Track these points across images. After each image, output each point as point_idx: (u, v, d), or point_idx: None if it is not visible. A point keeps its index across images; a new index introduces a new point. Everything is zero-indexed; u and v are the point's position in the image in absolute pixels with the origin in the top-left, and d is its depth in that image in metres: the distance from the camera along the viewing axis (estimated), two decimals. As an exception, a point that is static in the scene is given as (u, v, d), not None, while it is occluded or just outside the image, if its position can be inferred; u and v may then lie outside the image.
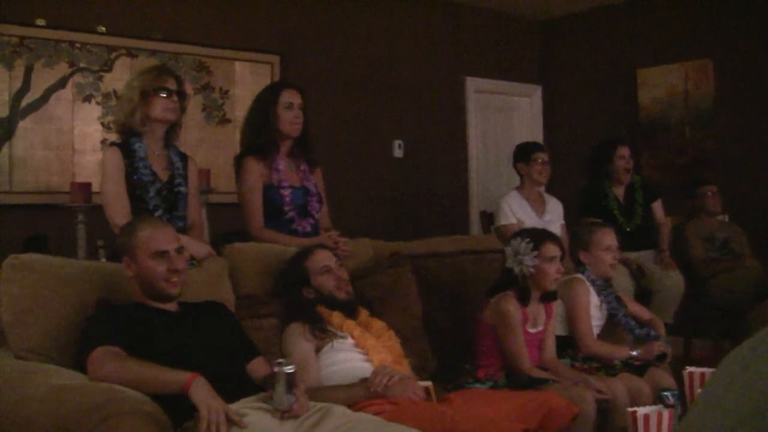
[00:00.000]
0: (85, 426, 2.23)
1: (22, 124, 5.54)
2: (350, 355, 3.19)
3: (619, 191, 5.94)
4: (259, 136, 4.04)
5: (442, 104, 7.91)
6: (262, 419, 2.48)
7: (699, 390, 3.00)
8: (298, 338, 3.17)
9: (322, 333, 3.19)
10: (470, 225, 7.90)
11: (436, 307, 4.01)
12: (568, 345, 3.90)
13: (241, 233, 4.02)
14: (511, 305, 3.57)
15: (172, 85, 3.69)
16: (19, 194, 5.50)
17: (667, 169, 7.67)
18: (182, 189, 3.73)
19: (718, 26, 7.37)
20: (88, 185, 5.13)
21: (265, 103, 4.08)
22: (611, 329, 4.10)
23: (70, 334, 2.84)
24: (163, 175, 3.70)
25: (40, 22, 5.59)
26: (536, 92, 8.79)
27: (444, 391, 3.33)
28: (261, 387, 2.75)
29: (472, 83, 8.17)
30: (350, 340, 3.22)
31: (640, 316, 4.14)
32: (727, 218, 6.39)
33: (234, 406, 2.50)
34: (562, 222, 5.51)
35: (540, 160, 5.45)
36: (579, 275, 4.03)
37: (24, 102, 5.55)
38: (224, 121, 6.43)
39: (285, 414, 2.52)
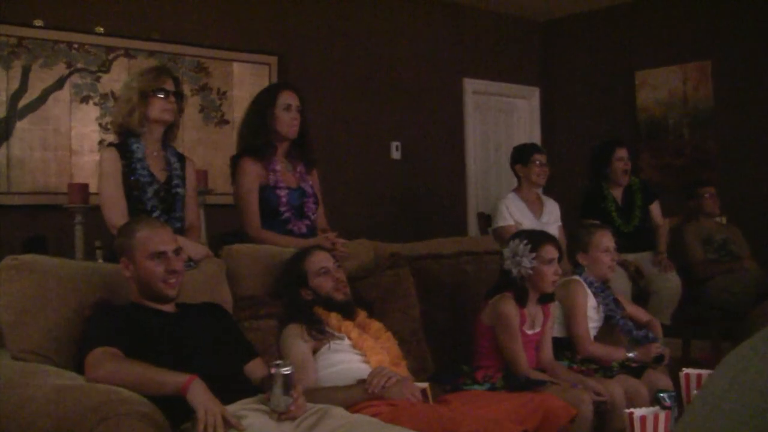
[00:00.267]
0: (83, 427, 2.23)
1: (20, 125, 5.53)
2: (348, 356, 3.19)
3: (618, 193, 5.95)
4: (257, 137, 4.04)
5: (440, 106, 7.90)
6: (259, 420, 2.47)
7: (696, 391, 3.00)
8: (296, 339, 3.17)
9: (320, 334, 3.19)
10: (468, 226, 7.90)
11: (435, 308, 4.00)
12: (565, 347, 3.91)
13: (239, 234, 4.02)
14: (509, 307, 3.57)
15: (170, 86, 3.69)
16: (16, 195, 5.49)
17: (666, 170, 7.68)
18: (180, 190, 3.73)
19: (717, 28, 7.38)
20: (86, 186, 5.13)
21: (263, 105, 4.08)
22: (608, 331, 4.10)
23: (68, 335, 2.84)
24: (161, 176, 3.69)
25: (38, 22, 5.58)
26: (534, 94, 8.79)
27: (442, 392, 3.33)
28: (259, 388, 2.75)
29: (470, 85, 8.16)
30: (348, 342, 3.22)
31: (638, 317, 4.14)
32: (725, 220, 6.40)
33: (231, 408, 2.50)
34: (560, 224, 5.51)
35: (538, 162, 5.45)
36: (577, 277, 4.03)
37: (21, 103, 5.54)
38: (222, 122, 6.43)
39: (282, 415, 2.51)
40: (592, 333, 3.98)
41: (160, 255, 2.84)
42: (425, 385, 3.16)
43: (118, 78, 5.73)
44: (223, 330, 2.99)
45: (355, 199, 7.04)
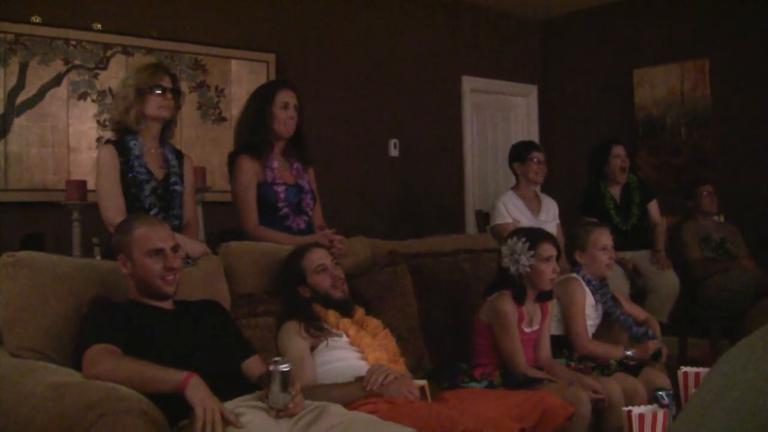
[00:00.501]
0: (82, 423, 2.23)
1: (17, 122, 5.52)
2: (346, 353, 3.19)
3: (616, 191, 5.96)
4: (254, 134, 4.04)
5: (439, 103, 7.90)
6: (257, 418, 2.47)
7: (694, 390, 3.00)
8: (294, 336, 3.17)
9: (318, 331, 3.19)
10: (466, 224, 7.90)
11: (433, 306, 4.01)
12: (563, 344, 3.91)
13: (237, 231, 4.02)
14: (507, 304, 3.57)
15: (167, 82, 3.69)
16: (14, 192, 5.48)
17: (664, 169, 7.68)
18: (178, 187, 3.73)
19: (715, 26, 7.38)
20: (84, 183, 5.12)
21: (260, 102, 4.08)
22: (606, 329, 4.11)
23: (66, 332, 2.84)
24: (159, 174, 3.69)
25: (36, 19, 5.57)
26: (532, 92, 8.79)
27: (440, 390, 3.33)
28: (257, 385, 2.75)
29: (469, 82, 8.16)
30: (345, 339, 3.23)
31: (636, 316, 4.14)
32: (723, 218, 6.40)
33: (229, 405, 2.49)
34: (558, 221, 5.51)
35: (536, 160, 5.44)
36: (575, 275, 4.03)
37: (19, 99, 5.53)
38: (220, 119, 6.42)
39: (280, 413, 2.51)
40: (590, 331, 3.98)
41: (158, 252, 2.84)
42: (423, 382, 3.16)
43: (115, 75, 5.73)
44: (221, 327, 2.99)
45: (353, 197, 7.04)
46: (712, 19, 7.39)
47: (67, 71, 5.73)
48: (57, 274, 2.94)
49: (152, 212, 3.54)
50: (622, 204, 5.93)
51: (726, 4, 7.31)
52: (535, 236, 3.70)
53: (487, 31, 8.32)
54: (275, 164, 4.05)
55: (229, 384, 2.67)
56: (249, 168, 3.99)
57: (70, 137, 5.73)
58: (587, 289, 4.00)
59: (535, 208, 5.46)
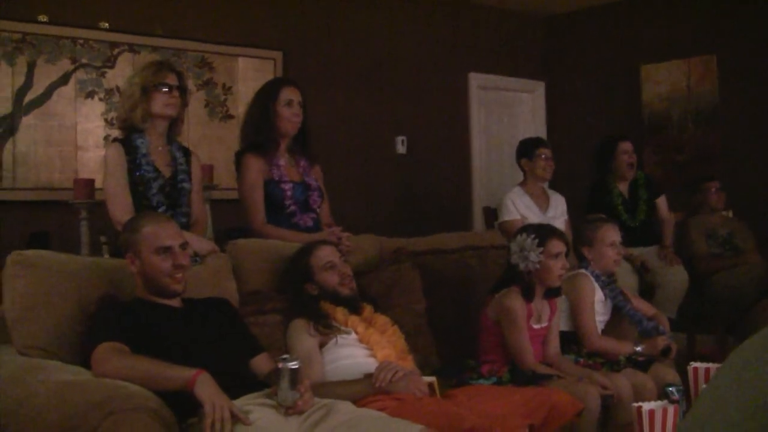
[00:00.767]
0: (90, 422, 2.23)
1: (25, 121, 5.54)
2: (354, 350, 3.19)
3: (623, 187, 5.95)
4: (259, 133, 4.04)
5: (446, 100, 7.89)
6: (266, 415, 2.47)
7: (704, 385, 2.99)
8: (302, 334, 3.17)
9: (326, 329, 3.19)
10: (473, 221, 7.89)
11: (440, 302, 4.00)
12: (572, 341, 3.90)
13: (244, 229, 4.02)
14: (515, 301, 3.57)
15: (172, 80, 3.69)
16: (22, 191, 5.50)
17: (671, 165, 7.66)
18: (185, 185, 3.73)
19: (721, 22, 7.36)
20: (91, 182, 5.12)
21: (265, 100, 4.08)
22: (615, 325, 4.10)
23: (74, 331, 2.84)
24: (166, 171, 3.69)
25: (43, 18, 5.58)
26: (539, 88, 8.77)
27: (448, 387, 3.32)
28: (265, 383, 2.75)
29: (476, 79, 8.15)
30: (354, 336, 3.22)
31: (644, 311, 4.13)
32: (731, 214, 6.38)
33: (238, 403, 2.50)
34: (566, 218, 5.49)
35: (543, 156, 5.43)
36: (583, 270, 4.03)
37: (27, 98, 5.54)
38: (227, 117, 6.43)
39: (289, 410, 2.51)
40: (599, 327, 3.97)
41: (166, 250, 2.84)
42: (432, 379, 3.16)
43: (122, 73, 5.73)
44: (229, 325, 2.99)
45: (360, 194, 7.03)
46: (718, 16, 7.37)
47: (75, 70, 5.74)
48: (64, 273, 2.95)
49: (160, 210, 3.54)
50: (629, 200, 5.92)
51: (733, 0, 7.28)
52: (544, 233, 3.69)
53: (493, 28, 8.30)
54: (282, 162, 4.05)
55: (238, 382, 2.67)
56: (255, 166, 3.99)
57: (78, 136, 5.74)
58: (596, 285, 3.99)
59: (543, 204, 5.44)
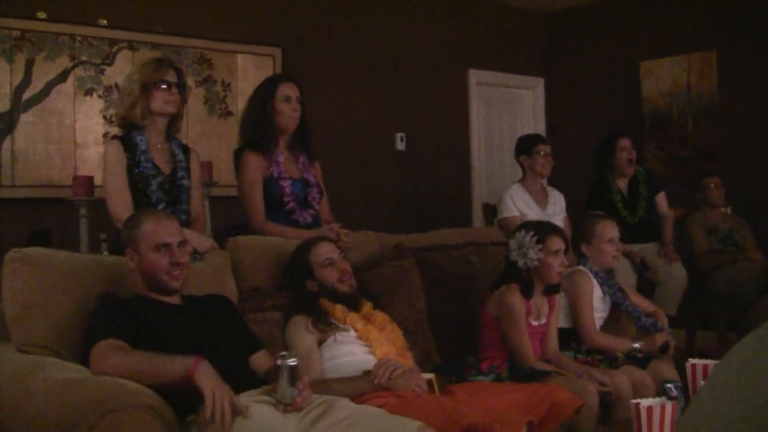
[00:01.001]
0: (89, 419, 2.23)
1: (24, 118, 5.53)
2: (353, 347, 3.19)
3: (623, 184, 5.95)
4: (258, 129, 4.04)
5: (445, 96, 7.89)
6: (265, 412, 2.47)
7: (702, 382, 2.99)
8: (301, 331, 3.17)
9: (325, 326, 3.19)
10: (473, 217, 7.89)
11: (441, 299, 4.00)
12: (571, 337, 3.90)
13: (244, 226, 4.02)
14: (514, 298, 3.57)
15: (172, 77, 3.68)
16: (21, 188, 5.49)
17: (671, 161, 7.65)
18: (185, 182, 3.72)
19: (721, 18, 7.35)
20: (90, 179, 5.12)
21: (263, 97, 4.08)
22: (614, 321, 4.10)
23: (73, 328, 2.84)
24: (166, 168, 3.69)
25: (41, 15, 5.57)
26: (539, 84, 8.77)
27: (448, 383, 3.33)
28: (264, 380, 2.75)
29: (475, 76, 8.15)
30: (353, 333, 3.22)
31: (643, 308, 4.14)
32: (730, 210, 6.38)
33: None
34: (565, 214, 5.50)
35: (542, 153, 5.43)
36: (582, 267, 4.03)
37: (25, 96, 5.54)
38: (226, 113, 6.42)
39: (288, 407, 2.51)
40: (598, 323, 3.98)
41: (165, 247, 2.85)
42: (431, 376, 3.16)
43: (121, 70, 5.72)
44: (229, 322, 2.99)
45: (360, 191, 7.03)
46: (719, 11, 7.36)
47: (73, 67, 5.73)
48: (64, 271, 2.95)
49: (159, 207, 3.53)
50: (629, 197, 5.92)
51: (733, -5, 7.29)
52: (543, 230, 3.69)
53: (493, 24, 8.30)
54: (281, 159, 4.04)
55: (237, 378, 2.66)
56: (254, 163, 3.99)
57: (77, 133, 5.73)
58: (595, 282, 4.00)
59: (542, 201, 5.45)
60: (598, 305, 3.99)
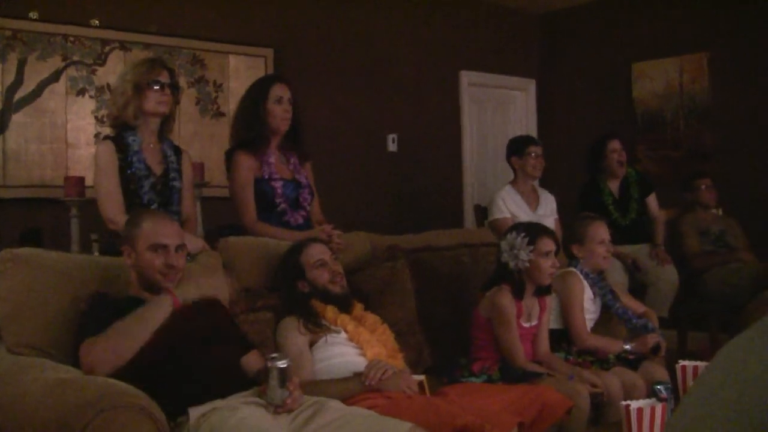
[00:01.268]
0: (81, 420, 2.22)
1: (15, 118, 5.52)
2: (344, 349, 3.19)
3: (614, 186, 5.95)
4: (250, 130, 4.03)
5: (437, 98, 7.89)
6: (255, 414, 2.47)
7: (692, 383, 3.00)
8: (292, 332, 3.17)
9: (316, 327, 3.19)
10: (464, 219, 7.90)
11: (432, 300, 4.00)
12: (562, 339, 3.91)
13: (235, 227, 4.02)
14: (505, 299, 3.57)
15: (165, 77, 3.68)
16: (12, 188, 5.48)
17: (663, 162, 7.67)
18: (176, 183, 3.72)
19: (713, 20, 7.37)
20: (82, 179, 5.11)
21: (254, 98, 4.08)
22: (605, 323, 4.11)
23: (65, 329, 2.84)
24: (158, 169, 3.69)
25: (33, 15, 5.56)
26: (531, 86, 8.77)
27: (439, 384, 3.33)
28: (255, 381, 2.75)
29: (467, 77, 8.15)
30: (344, 334, 3.22)
31: (634, 309, 4.14)
32: (721, 211, 6.39)
33: (228, 401, 2.49)
34: (556, 216, 5.50)
35: (534, 154, 5.43)
36: (573, 269, 4.03)
37: (17, 95, 5.52)
38: (218, 114, 6.42)
39: (278, 408, 2.51)
40: (589, 325, 3.98)
41: (162, 248, 2.85)
42: (422, 377, 3.16)
43: (113, 71, 5.71)
44: (220, 323, 2.98)
45: (351, 192, 7.03)
46: (711, 13, 7.38)
47: (65, 67, 5.72)
48: (56, 271, 2.95)
49: (152, 208, 3.53)
50: (620, 199, 5.92)
51: (725, -3, 7.31)
52: (534, 231, 3.70)
53: (485, 26, 8.30)
54: (272, 160, 4.04)
55: (228, 379, 2.67)
56: (246, 164, 3.99)
57: (69, 133, 5.72)
58: (585, 283, 4.00)
59: (533, 202, 5.45)
60: (588, 306, 4.00)
